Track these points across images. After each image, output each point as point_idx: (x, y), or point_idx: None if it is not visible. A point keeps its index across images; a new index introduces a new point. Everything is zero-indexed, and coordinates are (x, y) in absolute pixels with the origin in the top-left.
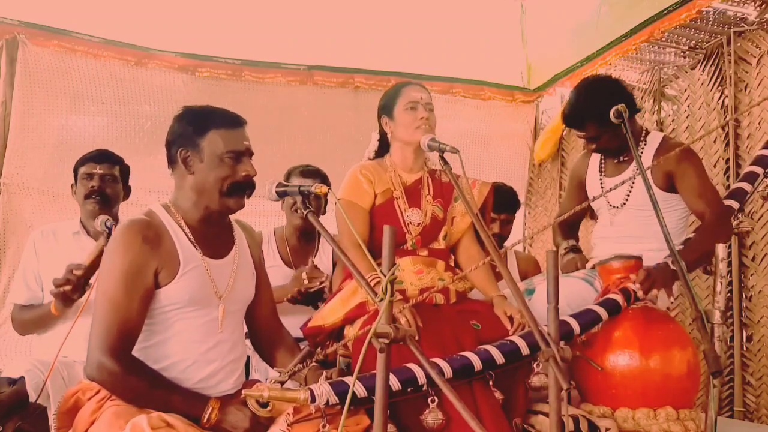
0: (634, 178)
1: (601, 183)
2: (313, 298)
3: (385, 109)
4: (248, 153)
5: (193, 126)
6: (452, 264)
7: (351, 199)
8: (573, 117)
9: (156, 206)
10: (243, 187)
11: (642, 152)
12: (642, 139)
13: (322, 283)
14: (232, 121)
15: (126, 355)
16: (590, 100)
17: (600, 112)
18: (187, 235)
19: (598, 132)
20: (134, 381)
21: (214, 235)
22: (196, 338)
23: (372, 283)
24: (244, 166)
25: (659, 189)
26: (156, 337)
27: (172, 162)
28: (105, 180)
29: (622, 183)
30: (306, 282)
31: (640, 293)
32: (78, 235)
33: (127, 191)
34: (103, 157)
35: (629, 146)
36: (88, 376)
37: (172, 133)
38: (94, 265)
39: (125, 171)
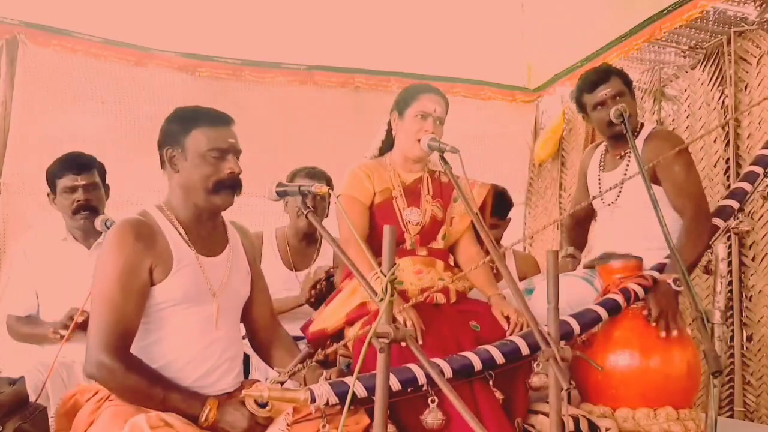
0: (625, 176)
1: (599, 178)
2: (327, 295)
3: (399, 105)
4: (233, 150)
5: (178, 125)
6: (451, 264)
7: (351, 194)
8: (598, 70)
9: (149, 206)
10: (228, 185)
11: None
12: (637, 133)
13: (329, 273)
14: (216, 119)
15: (125, 352)
16: (609, 66)
17: (622, 72)
18: (180, 234)
19: (621, 89)
20: (133, 378)
21: (206, 233)
22: (191, 336)
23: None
24: (228, 164)
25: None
26: (152, 335)
27: (162, 162)
28: (89, 190)
29: (618, 184)
30: (315, 276)
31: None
32: (66, 241)
33: (107, 190)
34: (81, 165)
35: (632, 132)
36: (87, 374)
37: (161, 133)
38: None
39: (102, 171)
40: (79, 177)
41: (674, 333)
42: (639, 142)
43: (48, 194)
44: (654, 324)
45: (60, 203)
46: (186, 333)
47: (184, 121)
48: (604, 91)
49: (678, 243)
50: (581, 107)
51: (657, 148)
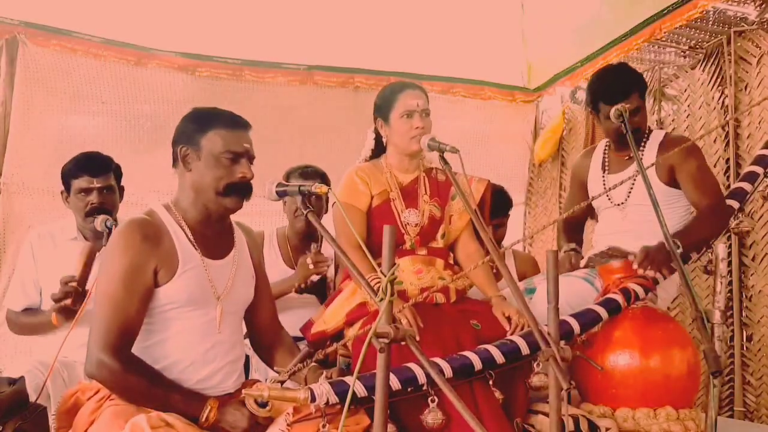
0: (635, 177)
1: (604, 180)
2: (319, 287)
3: (381, 111)
4: (247, 155)
5: (195, 125)
6: (451, 262)
7: (347, 201)
8: (619, 80)
9: (157, 206)
10: (239, 189)
11: (644, 149)
12: (645, 136)
13: (328, 266)
14: (233, 123)
15: (126, 353)
16: (631, 71)
17: (641, 82)
18: (186, 235)
19: (639, 104)
20: (133, 379)
21: (213, 235)
22: (194, 338)
23: (372, 284)
24: (241, 168)
25: (663, 184)
26: (155, 336)
27: (174, 160)
28: (104, 193)
29: (622, 182)
30: (312, 267)
31: (639, 271)
32: (76, 241)
33: (122, 192)
34: (97, 167)
35: (638, 140)
36: (87, 374)
37: (176, 131)
38: (85, 272)
39: (118, 173)
40: (95, 180)
41: (656, 275)
42: (653, 145)
43: (62, 192)
44: (636, 266)
45: (73, 203)
46: (189, 335)
47: (201, 121)
48: (618, 109)
49: (691, 222)
50: (594, 106)
51: (675, 154)
